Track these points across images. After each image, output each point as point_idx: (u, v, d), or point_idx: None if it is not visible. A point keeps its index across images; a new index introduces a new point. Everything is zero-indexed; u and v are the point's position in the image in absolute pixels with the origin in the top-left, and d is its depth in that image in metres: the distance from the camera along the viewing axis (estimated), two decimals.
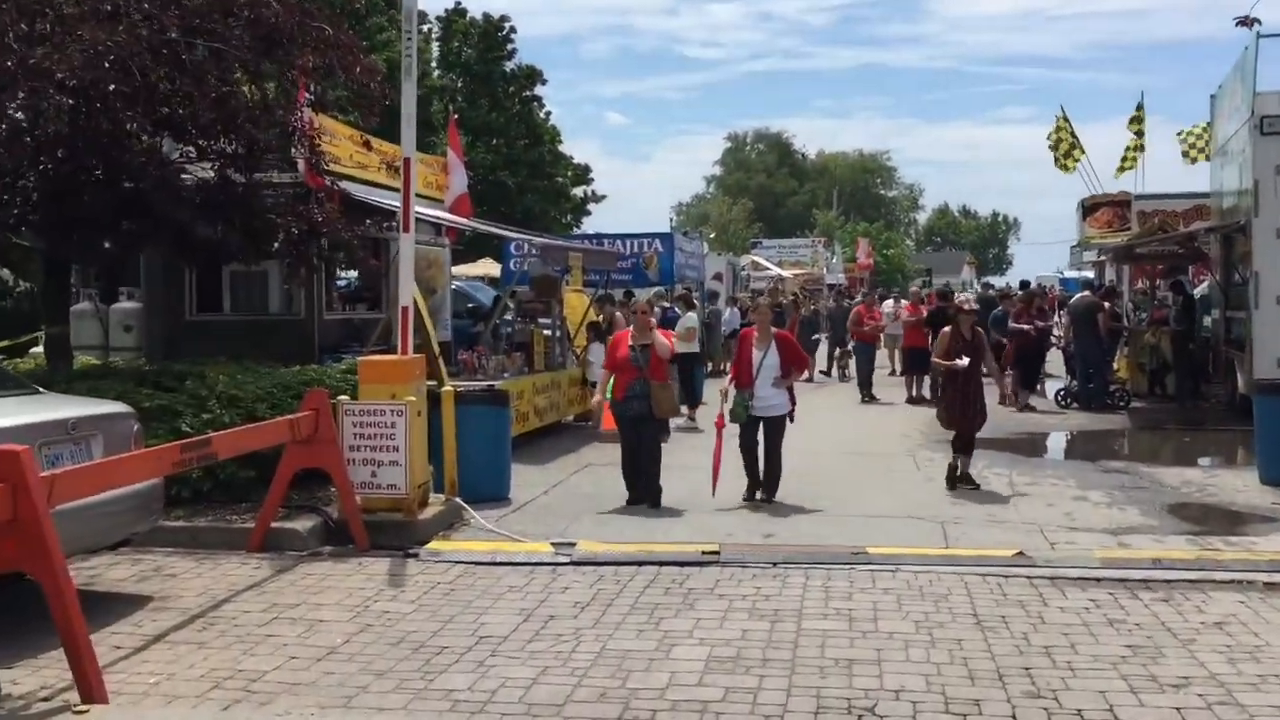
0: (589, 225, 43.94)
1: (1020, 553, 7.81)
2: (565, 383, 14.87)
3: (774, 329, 10.37)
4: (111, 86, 8.65)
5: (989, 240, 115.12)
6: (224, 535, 8.24)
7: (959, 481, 10.61)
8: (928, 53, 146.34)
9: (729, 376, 10.32)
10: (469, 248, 28.21)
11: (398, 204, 9.61)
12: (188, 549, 8.06)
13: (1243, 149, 15.28)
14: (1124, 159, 23.72)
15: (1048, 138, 23.94)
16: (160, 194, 9.34)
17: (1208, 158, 24.51)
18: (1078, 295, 19.69)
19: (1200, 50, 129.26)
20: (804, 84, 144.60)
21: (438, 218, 14.58)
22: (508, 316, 15.17)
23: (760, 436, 10.02)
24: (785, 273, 47.34)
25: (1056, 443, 14.82)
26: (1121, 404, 17.30)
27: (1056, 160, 23.78)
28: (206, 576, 7.39)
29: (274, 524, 8.15)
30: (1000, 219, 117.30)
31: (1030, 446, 14.35)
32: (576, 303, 17.40)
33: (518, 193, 37.30)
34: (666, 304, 17.76)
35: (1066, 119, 23.82)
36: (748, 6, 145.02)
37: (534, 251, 13.06)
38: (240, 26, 9.68)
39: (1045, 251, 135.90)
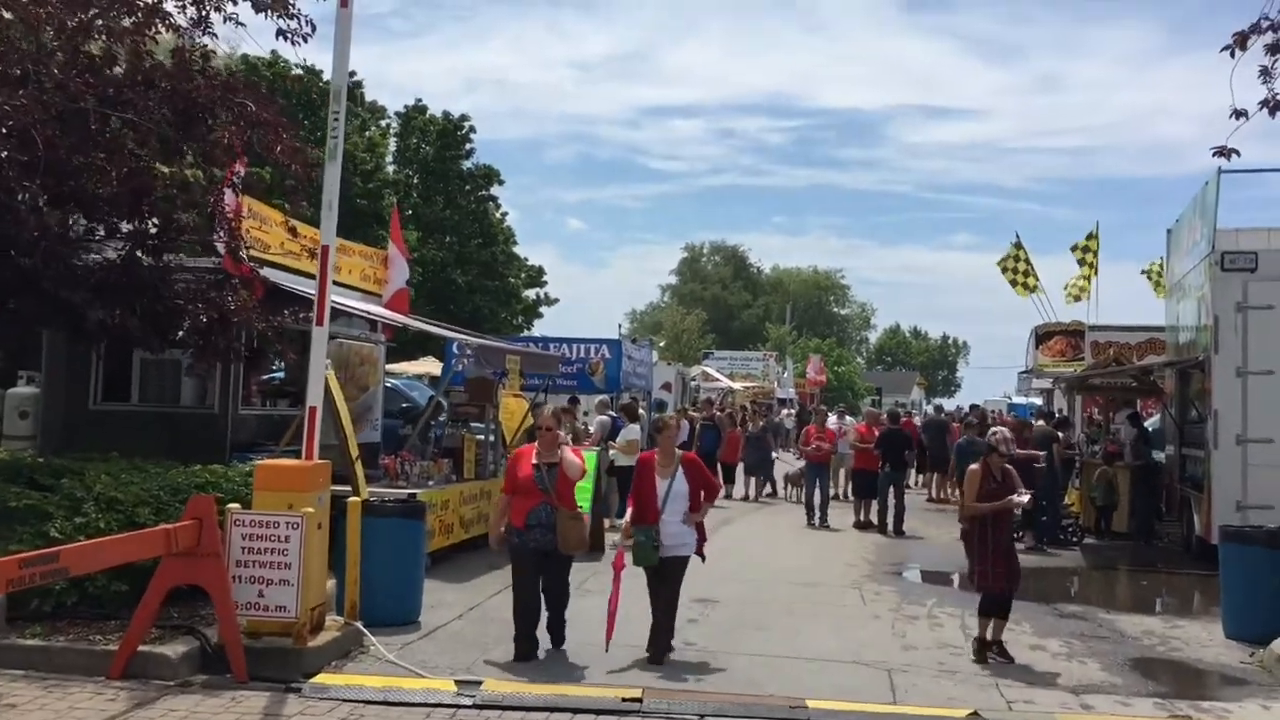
0: (540, 328, 43.45)
1: (975, 713, 7.06)
2: (496, 492, 14.00)
3: (681, 452, 8.81)
4: (4, 153, 7.93)
5: (938, 362, 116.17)
6: (84, 658, 7.25)
7: (989, 651, 8.76)
8: (882, 176, 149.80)
9: (629, 510, 8.62)
10: (411, 345, 27.48)
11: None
12: (40, 673, 7.07)
13: (1201, 285, 15.04)
14: (1070, 286, 23.65)
15: (999, 263, 23.83)
16: (51, 271, 8.55)
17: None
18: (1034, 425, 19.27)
19: (1146, 189, 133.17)
20: (761, 200, 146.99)
21: (368, 312, 13.85)
22: (441, 419, 14.36)
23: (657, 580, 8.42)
24: (736, 385, 47.01)
25: None
26: (1074, 540, 16.73)
27: (1015, 283, 23.63)
28: (50, 709, 6.41)
29: (143, 647, 7.19)
30: (950, 341, 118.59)
31: None
32: (515, 408, 16.64)
33: (467, 291, 36.72)
34: (614, 414, 17.05)
35: (1021, 245, 23.78)
36: (709, 123, 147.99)
37: (469, 352, 12.32)
38: (159, 99, 9.05)
39: (994, 376, 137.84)
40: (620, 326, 22.00)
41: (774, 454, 22.90)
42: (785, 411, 47.12)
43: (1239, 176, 15.09)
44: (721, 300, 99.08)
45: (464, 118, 38.41)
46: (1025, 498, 8.90)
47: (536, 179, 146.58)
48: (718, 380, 45.89)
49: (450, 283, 35.88)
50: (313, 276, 13.39)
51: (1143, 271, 24.57)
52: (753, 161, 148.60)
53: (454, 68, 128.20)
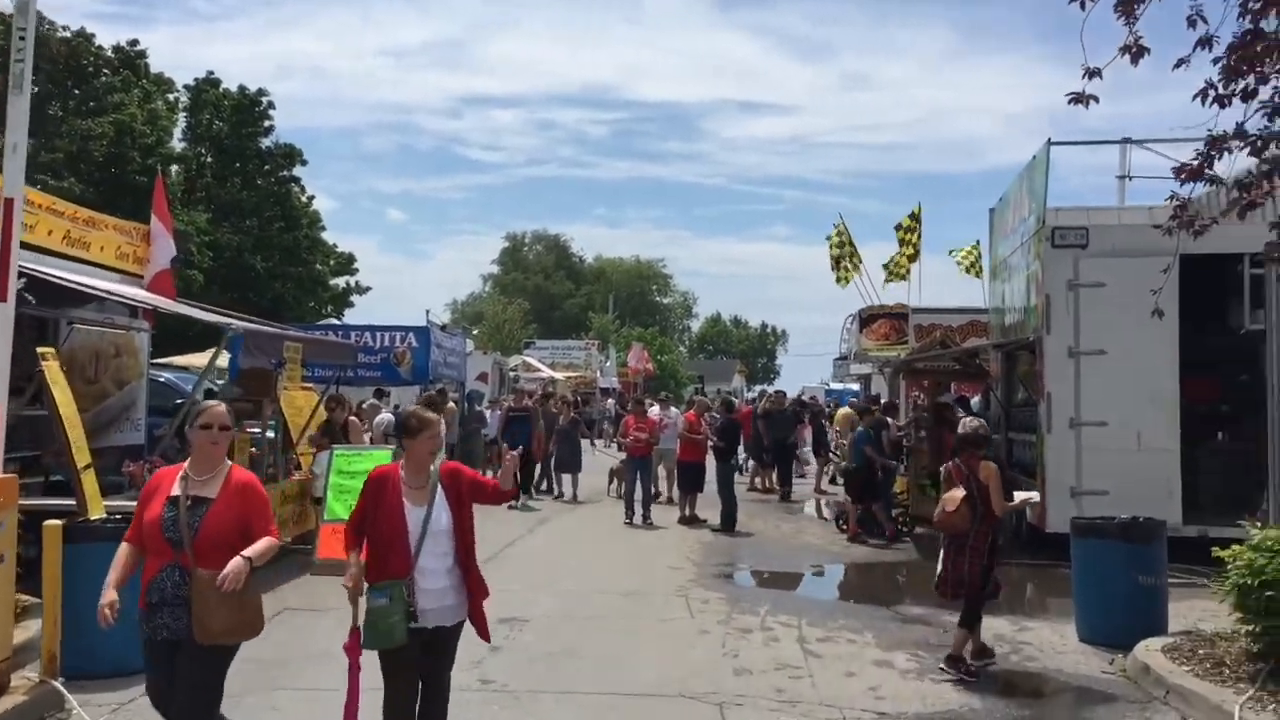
0: (353, 318, 41.00)
1: None
2: (278, 499, 12.24)
3: (450, 463, 5.59)
4: None
5: (758, 350, 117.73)
6: None
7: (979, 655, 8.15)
8: (700, 169, 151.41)
9: (350, 566, 5.31)
10: (202, 336, 25.00)
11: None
12: None
13: (1030, 262, 14.50)
14: (892, 264, 23.21)
15: (828, 238, 23.21)
16: None
17: (979, 274, 24.48)
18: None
19: (949, 184, 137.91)
20: (582, 191, 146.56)
21: (115, 293, 11.79)
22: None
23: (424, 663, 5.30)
24: (558, 375, 45.71)
25: (845, 579, 13.21)
26: (905, 530, 16.05)
27: (837, 272, 23.05)
28: None
29: None
30: (769, 330, 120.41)
31: (816, 584, 12.72)
32: (302, 402, 14.82)
33: (268, 278, 34.10)
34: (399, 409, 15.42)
35: (845, 228, 23.21)
36: (529, 114, 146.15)
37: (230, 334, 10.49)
38: None
39: (812, 363, 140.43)
40: (428, 312, 20.38)
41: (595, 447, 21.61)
42: (610, 401, 46.11)
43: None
44: (544, 290, 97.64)
45: (261, 92, 35.65)
46: (1036, 496, 8.43)
47: (354, 168, 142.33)
48: (539, 370, 44.48)
49: (249, 268, 33.20)
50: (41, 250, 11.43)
51: (950, 252, 24.44)
52: (573, 153, 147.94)
53: (264, 53, 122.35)
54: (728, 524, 15.93)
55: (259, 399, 12.14)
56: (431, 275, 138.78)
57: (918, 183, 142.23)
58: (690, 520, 16.60)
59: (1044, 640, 9.08)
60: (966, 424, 8.48)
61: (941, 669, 7.92)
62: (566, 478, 19.51)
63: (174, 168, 34.16)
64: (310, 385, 14.89)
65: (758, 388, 76.68)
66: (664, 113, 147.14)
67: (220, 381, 15.54)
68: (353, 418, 13.73)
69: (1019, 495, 8.27)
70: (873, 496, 15.86)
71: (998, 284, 18.05)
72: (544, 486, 20.34)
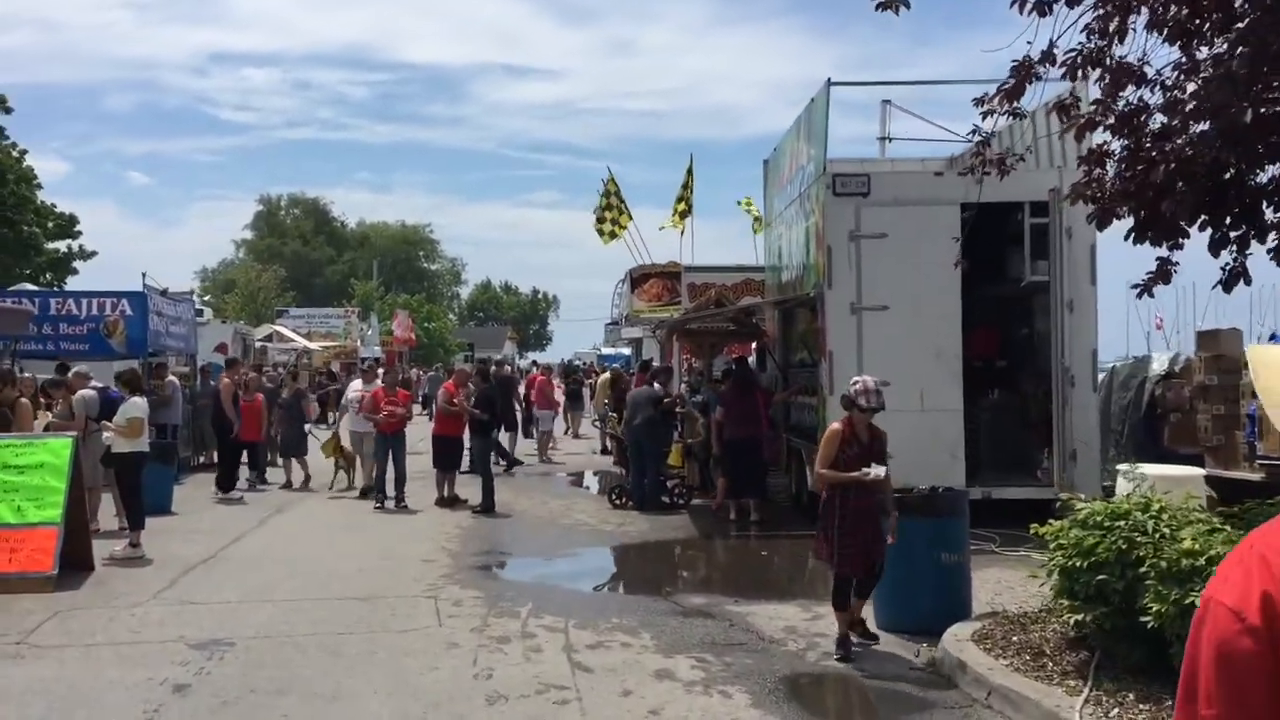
0: (78, 286, 36.78)
1: None
2: None
3: None
4: None
5: (530, 316, 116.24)
6: None
7: (860, 633, 7.53)
8: (467, 134, 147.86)
9: None
10: None
11: None
12: None
13: (809, 214, 13.59)
14: (669, 221, 22.14)
15: (599, 196, 21.83)
16: None
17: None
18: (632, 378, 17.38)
19: (712, 151, 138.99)
20: (343, 155, 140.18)
21: None
22: None
23: None
24: (314, 345, 42.80)
25: (617, 563, 11.95)
26: (680, 501, 14.99)
27: (602, 224, 21.71)
28: None
29: None
30: (540, 296, 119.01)
31: (586, 570, 11.39)
32: None
33: None
34: (104, 385, 13.04)
35: (615, 184, 21.89)
36: (284, 73, 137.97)
37: None
38: None
39: (583, 328, 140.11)
40: (144, 275, 17.41)
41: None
42: (356, 381, 43.43)
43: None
44: (303, 256, 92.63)
45: None
46: (880, 471, 7.18)
47: (92, 128, 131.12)
48: (292, 340, 41.41)
49: None
50: None
51: (739, 202, 23.57)
52: (333, 115, 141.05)
53: None
54: (488, 505, 14.41)
55: None
56: (181, 243, 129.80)
57: (681, 149, 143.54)
58: (450, 502, 14.98)
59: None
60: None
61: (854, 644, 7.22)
62: (295, 463, 17.10)
63: None
64: (13, 362, 12.38)
65: (530, 355, 75.48)
66: (428, 75, 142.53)
67: None
68: (23, 399, 11.34)
69: (869, 473, 7.15)
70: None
71: (774, 238, 17.19)
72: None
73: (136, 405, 11.25)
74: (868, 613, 7.79)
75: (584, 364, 51.27)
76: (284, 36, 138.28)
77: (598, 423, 22.96)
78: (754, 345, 18.74)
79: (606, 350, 65.03)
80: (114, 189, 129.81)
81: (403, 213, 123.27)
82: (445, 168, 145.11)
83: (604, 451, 21.45)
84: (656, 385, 15.61)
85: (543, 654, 7.42)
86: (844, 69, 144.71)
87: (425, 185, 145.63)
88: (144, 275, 18.55)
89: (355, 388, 17.26)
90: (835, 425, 7.58)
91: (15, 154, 35.95)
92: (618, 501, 14.88)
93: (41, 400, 13.63)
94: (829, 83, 12.56)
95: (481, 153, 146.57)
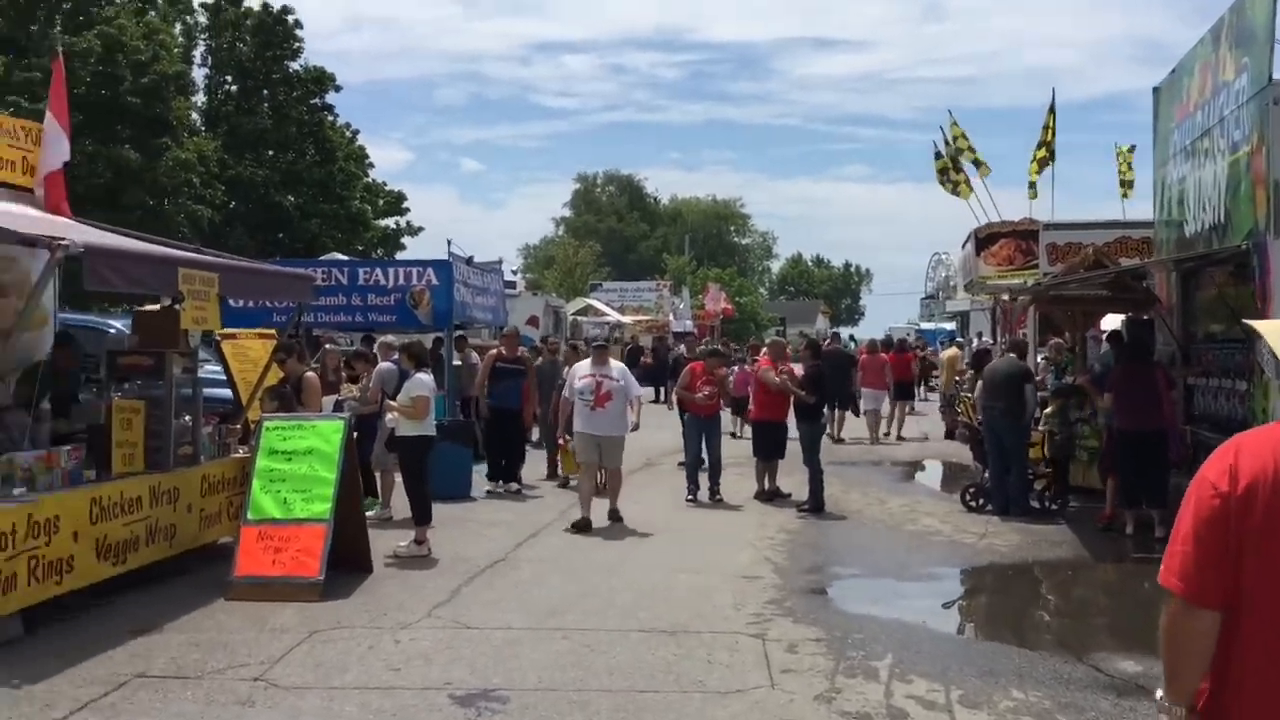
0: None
1: None
2: (199, 486, 8.87)
3: None
4: None
5: (841, 291, 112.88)
6: None
7: None
8: (774, 110, 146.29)
9: None
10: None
11: None
12: None
13: (1235, 144, 10.41)
14: (1035, 159, 18.94)
15: (938, 150, 19.05)
16: None
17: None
18: (992, 352, 14.60)
19: (1032, 117, 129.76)
20: (655, 136, 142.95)
21: None
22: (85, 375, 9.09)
23: None
24: (626, 318, 42.20)
25: (994, 593, 9.41)
26: (1053, 506, 12.22)
27: (947, 182, 18.88)
28: None
29: None
30: (853, 269, 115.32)
31: (954, 601, 9.00)
32: (259, 352, 11.44)
33: (300, 216, 30.80)
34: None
35: (959, 129, 18.98)
36: (600, 59, 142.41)
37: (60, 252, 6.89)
38: None
39: (897, 302, 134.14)
40: (449, 243, 16.78)
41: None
42: (680, 347, 42.38)
43: None
44: (618, 232, 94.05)
45: (286, 10, 32.02)
46: None
47: (429, 120, 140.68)
48: (605, 314, 40.93)
49: (276, 205, 29.91)
50: None
51: (1117, 150, 20.00)
52: (646, 97, 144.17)
53: (334, 4, 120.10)
54: (817, 503, 12.23)
55: (161, 350, 8.69)
56: (506, 223, 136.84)
57: (1000, 116, 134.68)
58: (770, 496, 12.93)
59: None
60: None
61: None
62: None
63: (198, 98, 30.94)
64: (266, 332, 11.49)
65: (842, 330, 72.69)
66: (735, 53, 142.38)
67: (114, 325, 12.19)
68: (309, 374, 10.22)
69: None
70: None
71: (1170, 183, 13.85)
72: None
73: (422, 383, 9.88)
74: None
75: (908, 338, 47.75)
76: (599, 23, 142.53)
77: (943, 408, 20.25)
78: (1129, 316, 15.42)
79: (925, 325, 61.29)
80: (450, 175, 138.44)
81: (711, 190, 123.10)
82: (753, 144, 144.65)
83: (948, 436, 18.72)
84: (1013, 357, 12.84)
85: None
86: (1194, 20, 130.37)
87: (733, 163, 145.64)
88: (449, 243, 17.60)
89: (583, 371, 11.54)
90: None
91: (348, 134, 37.17)
92: (974, 504, 12.31)
93: (343, 374, 12.72)
94: None
95: (789, 128, 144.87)
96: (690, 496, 12.79)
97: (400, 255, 38.48)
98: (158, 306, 9.76)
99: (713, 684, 6.13)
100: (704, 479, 12.90)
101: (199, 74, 31.72)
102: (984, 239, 18.21)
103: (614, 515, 11.24)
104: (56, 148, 10.27)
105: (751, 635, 7.13)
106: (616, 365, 11.65)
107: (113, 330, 13.18)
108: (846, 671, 6.36)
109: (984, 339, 27.43)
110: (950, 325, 52.34)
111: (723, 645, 6.87)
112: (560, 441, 13.40)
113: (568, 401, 11.62)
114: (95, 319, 13.91)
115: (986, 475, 12.69)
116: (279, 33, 31.91)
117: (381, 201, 38.92)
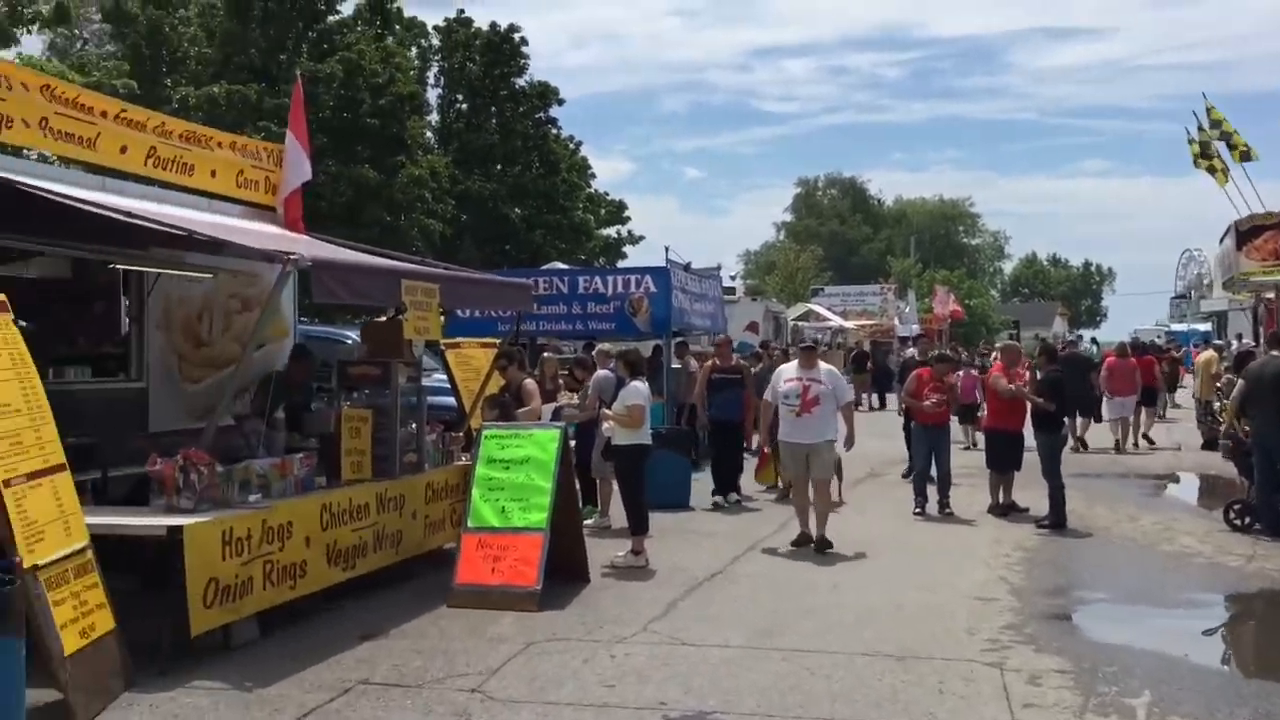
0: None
1: None
2: (424, 493, 9.05)
3: None
4: None
5: (1081, 291, 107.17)
6: None
7: None
8: (1004, 105, 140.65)
9: None
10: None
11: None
12: None
13: None
14: None
15: (1190, 136, 17.60)
16: None
17: None
18: (1256, 353, 13.24)
19: None
20: (878, 137, 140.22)
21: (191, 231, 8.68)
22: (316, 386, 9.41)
23: None
24: (848, 323, 41.27)
25: (1267, 625, 8.43)
26: None
27: (1204, 165, 17.42)
28: None
29: None
30: (1093, 269, 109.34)
31: (1217, 630, 8.13)
32: (482, 361, 11.62)
33: (526, 228, 31.66)
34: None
35: (1216, 112, 17.47)
36: (821, 61, 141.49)
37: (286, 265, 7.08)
38: None
39: (1142, 302, 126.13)
40: (667, 250, 16.56)
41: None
42: (909, 351, 41.02)
43: None
44: (840, 235, 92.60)
45: (513, 28, 33.12)
46: None
47: (650, 130, 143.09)
48: (826, 319, 40.15)
49: (503, 218, 30.85)
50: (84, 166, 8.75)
51: None
52: (868, 97, 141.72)
53: (560, 23, 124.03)
54: (1058, 519, 11.39)
55: (386, 361, 8.90)
56: (728, 230, 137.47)
57: (1260, 101, 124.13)
58: (1005, 510, 12.16)
59: None
60: None
61: None
62: None
63: (432, 117, 32.27)
64: (489, 341, 11.67)
65: (1084, 333, 69.01)
66: (962, 48, 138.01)
67: (350, 336, 12.59)
68: (528, 381, 10.28)
69: None
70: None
71: None
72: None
73: (637, 391, 9.75)
74: None
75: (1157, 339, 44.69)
76: (818, 25, 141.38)
77: (1200, 415, 18.68)
78: None
79: (1176, 327, 57.25)
80: (672, 184, 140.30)
81: (937, 190, 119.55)
82: (981, 142, 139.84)
83: (1205, 446, 17.22)
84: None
85: None
86: None
87: (959, 161, 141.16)
88: (667, 250, 17.56)
89: (788, 374, 10.71)
90: None
91: (570, 145, 37.96)
92: (1239, 523, 11.17)
93: (560, 381, 12.81)
94: None
95: (1021, 123, 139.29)
96: (917, 510, 12.17)
97: (621, 264, 39.05)
98: (385, 318, 10.02)
99: (944, 716, 5.66)
100: (932, 491, 12.26)
101: (432, 94, 33.13)
102: (1246, 232, 16.65)
103: (822, 544, 10.10)
104: (297, 168, 10.78)
105: (988, 664, 6.59)
106: (825, 368, 10.92)
107: (348, 341, 13.78)
108: (1097, 709, 5.76)
109: (1244, 340, 25.31)
110: (1205, 326, 48.79)
111: (956, 673, 6.38)
112: (765, 450, 13.01)
113: (770, 406, 11.06)
114: (334, 330, 14.55)
115: (1253, 490, 11.50)
116: (506, 50, 33.02)
117: (603, 211, 39.56)
